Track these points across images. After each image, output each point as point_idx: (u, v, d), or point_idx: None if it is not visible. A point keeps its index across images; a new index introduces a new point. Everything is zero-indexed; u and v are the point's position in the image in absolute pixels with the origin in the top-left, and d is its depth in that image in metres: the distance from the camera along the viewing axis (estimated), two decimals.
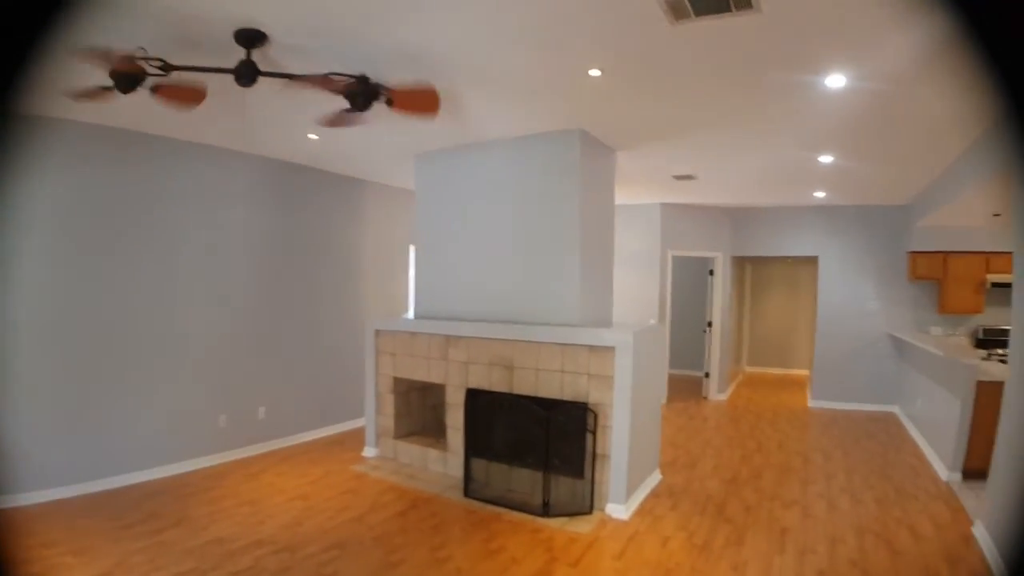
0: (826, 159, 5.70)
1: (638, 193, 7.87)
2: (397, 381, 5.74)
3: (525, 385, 4.77)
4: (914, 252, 8.09)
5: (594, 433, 4.42)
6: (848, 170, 6.15)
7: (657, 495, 4.90)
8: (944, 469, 5.43)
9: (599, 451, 4.46)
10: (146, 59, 2.94)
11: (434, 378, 5.39)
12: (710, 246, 9.18)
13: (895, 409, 8.33)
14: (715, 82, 3.74)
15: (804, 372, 11.83)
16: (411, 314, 6.04)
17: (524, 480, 4.78)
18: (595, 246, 5.14)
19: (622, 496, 4.41)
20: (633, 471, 4.54)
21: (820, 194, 7.77)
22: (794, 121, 4.53)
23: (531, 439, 4.63)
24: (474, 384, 5.06)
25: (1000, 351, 7.16)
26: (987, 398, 5.23)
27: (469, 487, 4.79)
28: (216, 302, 5.62)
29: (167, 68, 3.02)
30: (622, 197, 7.79)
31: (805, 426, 7.57)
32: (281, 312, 6.25)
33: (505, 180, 5.20)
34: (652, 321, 8.83)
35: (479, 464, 4.94)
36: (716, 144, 5.29)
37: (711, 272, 9.39)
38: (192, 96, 3.22)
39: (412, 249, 7.36)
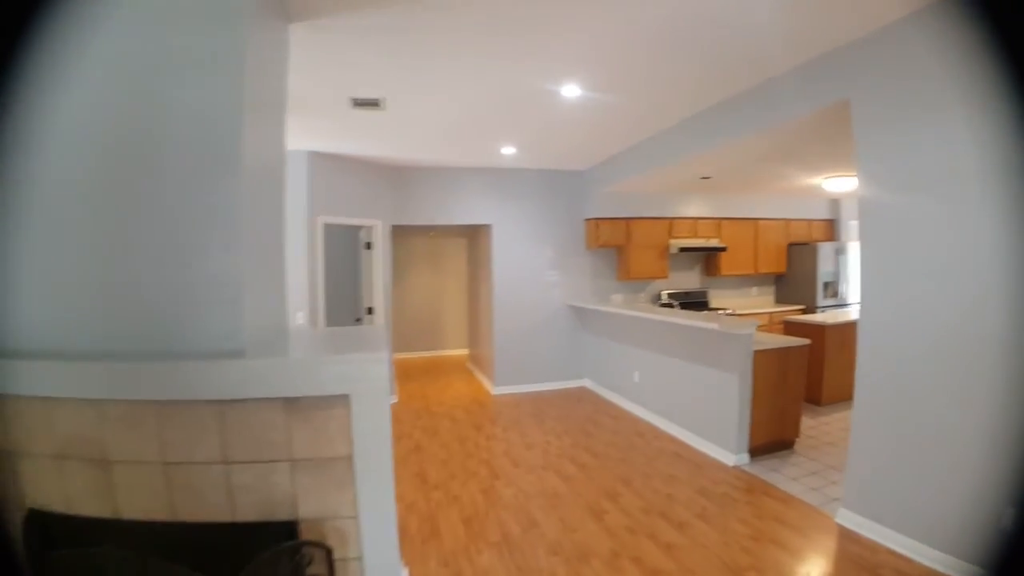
0: (571, 90, 4.22)
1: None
2: None
3: (146, 499, 2.08)
4: (595, 219, 7.52)
5: None
6: (575, 114, 4.86)
7: None
8: (727, 453, 4.70)
9: None
10: None
11: None
12: (368, 212, 7.14)
13: (586, 383, 7.83)
14: None
15: (457, 352, 11.02)
16: None
17: None
18: (264, 195, 2.62)
19: None
20: None
21: (510, 150, 6.45)
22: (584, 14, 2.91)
23: None
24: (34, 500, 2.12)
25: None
26: (762, 369, 4.57)
27: None
28: None
29: None
30: None
31: (513, 422, 6.24)
32: None
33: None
34: (300, 316, 6.52)
35: None
36: (439, 47, 3.36)
37: (368, 245, 7.41)
38: None
39: None
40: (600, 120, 5.08)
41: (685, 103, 4.60)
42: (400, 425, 6.33)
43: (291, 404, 2.10)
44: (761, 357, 4.58)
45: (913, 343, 3.04)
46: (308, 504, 2.13)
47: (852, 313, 7.35)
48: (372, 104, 4.49)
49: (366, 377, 2.08)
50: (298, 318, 6.52)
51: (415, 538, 3.66)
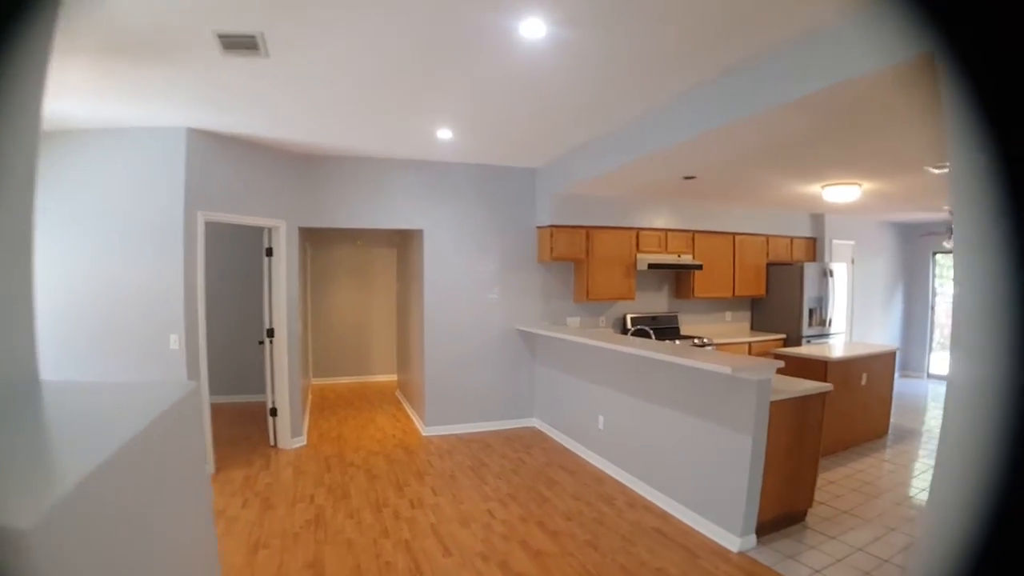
0: (532, 27, 2.89)
1: (141, 95, 3.92)
2: None
3: None
4: (550, 227, 6.22)
5: None
6: (535, 75, 3.53)
7: None
8: (729, 535, 3.51)
9: None
10: None
11: None
12: (267, 210, 5.67)
13: (535, 423, 6.53)
14: None
15: (386, 379, 9.63)
16: None
17: None
18: None
19: None
20: None
21: (446, 134, 5.09)
22: None
23: None
24: None
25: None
26: (776, 424, 3.42)
27: None
28: None
29: None
30: (98, 101, 3.86)
31: (446, 479, 4.88)
32: None
33: None
34: (174, 341, 5.02)
35: None
36: None
37: (269, 251, 5.96)
38: None
39: None
40: (569, 86, 3.77)
41: (685, 61, 3.38)
42: (303, 480, 4.89)
43: None
44: (776, 409, 3.41)
45: None
46: None
47: (844, 345, 6.36)
48: (248, 45, 3.11)
49: None
50: (171, 343, 5.03)
51: None
